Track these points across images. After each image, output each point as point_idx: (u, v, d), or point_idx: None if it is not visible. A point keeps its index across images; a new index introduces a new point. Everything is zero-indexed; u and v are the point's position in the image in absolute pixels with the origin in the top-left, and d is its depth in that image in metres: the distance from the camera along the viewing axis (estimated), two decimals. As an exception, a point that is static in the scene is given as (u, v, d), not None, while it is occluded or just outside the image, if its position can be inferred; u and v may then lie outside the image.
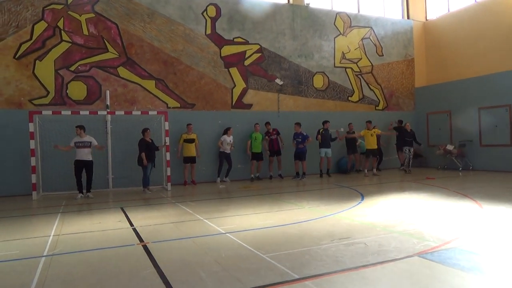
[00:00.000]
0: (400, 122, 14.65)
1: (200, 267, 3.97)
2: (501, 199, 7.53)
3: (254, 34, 13.31)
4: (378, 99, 15.61)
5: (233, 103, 12.95)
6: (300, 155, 12.43)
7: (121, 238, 5.34)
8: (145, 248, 4.77)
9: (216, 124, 12.51)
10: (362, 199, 8.15)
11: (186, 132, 11.62)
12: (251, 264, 4.04)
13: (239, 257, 4.28)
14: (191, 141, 11.59)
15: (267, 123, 12.82)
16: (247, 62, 13.17)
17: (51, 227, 6.17)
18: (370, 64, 15.45)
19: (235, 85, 12.97)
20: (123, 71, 11.52)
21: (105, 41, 11.37)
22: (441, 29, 16.08)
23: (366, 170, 12.99)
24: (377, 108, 15.58)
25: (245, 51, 13.17)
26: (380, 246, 4.55)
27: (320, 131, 12.66)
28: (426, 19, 16.77)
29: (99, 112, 10.41)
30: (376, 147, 12.93)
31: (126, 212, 7.30)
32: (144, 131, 10.22)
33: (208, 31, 12.64)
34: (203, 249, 4.67)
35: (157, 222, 6.37)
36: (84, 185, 9.66)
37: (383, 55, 15.71)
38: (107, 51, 11.39)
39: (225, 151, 11.93)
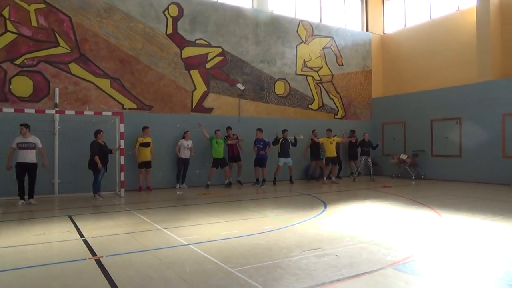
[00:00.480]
0: (353, 132, 14.92)
1: (163, 285, 3.57)
2: (457, 208, 7.75)
3: (217, 37, 13.00)
4: (337, 108, 15.84)
5: (193, 106, 12.51)
6: (261, 162, 12.23)
7: (70, 252, 4.77)
8: (99, 263, 4.27)
9: (175, 128, 12.00)
10: (325, 207, 8.05)
11: (142, 136, 11.02)
12: (219, 279, 3.70)
13: (205, 272, 3.92)
14: (147, 145, 11.00)
15: (229, 128, 12.50)
16: (208, 65, 12.81)
17: (-14, 238, 5.43)
18: (330, 73, 15.66)
19: (195, 88, 12.55)
20: (75, 68, 10.72)
21: (56, 34, 10.53)
22: (398, 43, 16.70)
23: (325, 178, 13.04)
24: (336, 116, 15.79)
25: (207, 53, 12.81)
26: (352, 258, 4.40)
27: (280, 140, 12.55)
28: (384, 33, 17.35)
29: (46, 111, 9.53)
30: (335, 155, 13.04)
31: (75, 221, 6.65)
32: (97, 132, 9.52)
33: (169, 31, 12.14)
34: (165, 263, 4.25)
35: (111, 232, 5.82)
36: (27, 190, 8.77)
37: (343, 65, 16.00)
38: (58, 45, 10.55)
39: (184, 156, 11.48)
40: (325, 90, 15.50)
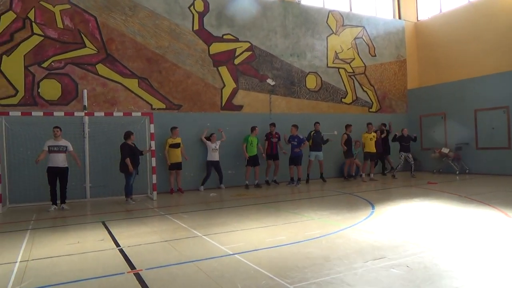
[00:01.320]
0: (384, 125, 13.92)
1: (215, 307, 3.08)
2: (523, 206, 6.95)
3: (245, 31, 12.49)
4: (372, 101, 15.05)
5: (223, 104, 12.06)
6: (295, 160, 11.65)
7: (107, 264, 4.37)
8: (138, 277, 3.83)
9: (205, 127, 11.58)
10: (373, 207, 7.41)
11: (171, 136, 10.65)
12: (279, 300, 3.18)
13: (261, 290, 3.41)
14: (177, 145, 10.62)
15: (272, 124, 11.98)
16: (237, 61, 12.32)
17: (17, 250, 5.11)
18: (363, 65, 14.89)
19: (224, 85, 12.09)
20: (102, 69, 10.45)
21: (82, 35, 10.29)
22: (433, 29, 15.73)
23: (363, 175, 12.33)
24: (370, 110, 15.01)
25: (235, 49, 12.33)
26: (427, 270, 3.78)
27: (311, 133, 11.98)
28: (418, 20, 16.40)
29: (75, 114, 9.27)
30: (375, 150, 12.30)
31: (109, 228, 6.29)
32: (129, 134, 9.18)
33: (196, 27, 11.73)
34: (212, 277, 3.77)
35: (147, 240, 5.40)
36: (59, 195, 8.54)
37: (375, 56, 15.19)
38: (85, 46, 10.30)
39: (212, 159, 11.08)
40: (358, 82, 14.74)
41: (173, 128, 10.63)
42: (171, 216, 7.18)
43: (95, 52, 10.41)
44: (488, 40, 13.56)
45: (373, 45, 15.15)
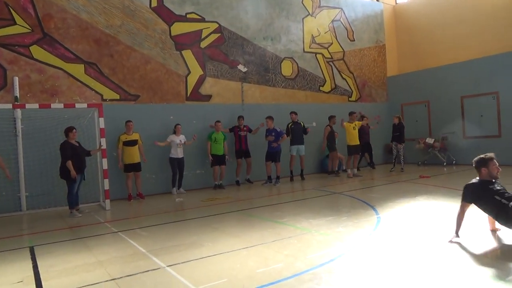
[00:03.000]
0: (364, 117, 12.70)
1: None
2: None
3: (212, 10, 10.88)
4: (351, 89, 13.90)
5: (188, 94, 10.42)
6: (273, 156, 10.25)
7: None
8: None
9: (168, 120, 9.92)
10: (376, 211, 6.13)
11: (125, 132, 8.93)
12: None
13: None
14: (133, 143, 8.92)
15: (240, 117, 10.50)
16: (203, 44, 10.70)
17: None
18: (342, 50, 13.68)
19: (189, 72, 10.45)
20: (38, 51, 8.54)
21: (11, 9, 8.32)
22: (413, 13, 14.78)
23: (349, 170, 11.12)
24: (350, 99, 13.85)
25: (201, 30, 10.70)
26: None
27: (289, 125, 10.64)
28: (396, 2, 15.40)
29: (0, 106, 7.28)
30: (358, 142, 11.10)
31: (37, 258, 4.58)
32: (68, 130, 7.37)
33: (154, 3, 9.98)
34: None
35: (87, 279, 3.77)
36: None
37: (354, 40, 14.03)
38: (14, 23, 8.34)
39: (176, 156, 9.47)
40: (337, 69, 13.52)
41: (127, 122, 8.91)
42: (125, 235, 5.55)
43: (29, 31, 8.47)
44: (473, 22, 12.71)
45: (352, 29, 13.97)
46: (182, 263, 4.07)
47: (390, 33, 15.14)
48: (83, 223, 6.68)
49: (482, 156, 4.38)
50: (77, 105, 7.88)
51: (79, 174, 7.34)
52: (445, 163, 12.39)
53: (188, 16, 10.48)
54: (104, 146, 7.86)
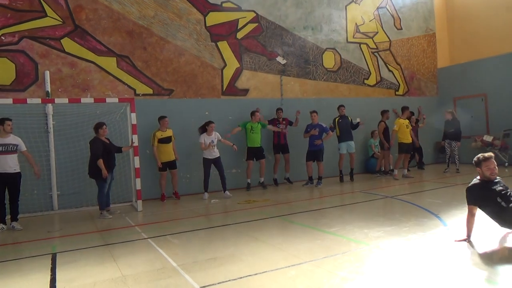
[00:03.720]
0: (411, 113, 11.50)
1: None
2: None
3: (248, -2, 10.21)
4: (398, 82, 12.80)
5: (224, 88, 9.82)
6: (316, 154, 9.44)
7: None
8: None
9: (203, 116, 9.35)
10: (441, 220, 5.24)
11: (159, 129, 8.45)
12: None
13: None
14: (168, 140, 8.43)
15: (279, 110, 9.82)
16: (240, 35, 10.05)
17: None
18: (388, 40, 12.61)
19: (225, 65, 9.84)
20: (69, 44, 8.21)
21: (41, 1, 8.01)
22: (467, -2, 13.42)
23: (395, 171, 10.12)
24: (397, 93, 12.77)
25: (237, 19, 10.05)
26: None
27: (336, 120, 9.78)
28: (448, -13, 14.08)
29: (28, 101, 6.85)
30: (411, 140, 10.08)
31: (56, 269, 4.10)
32: (98, 127, 6.97)
33: (188, -8, 9.45)
34: None
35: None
36: (8, 210, 6.36)
37: (401, 29, 12.90)
38: (45, 15, 8.04)
39: (209, 156, 8.50)
40: (383, 60, 12.48)
41: (161, 118, 8.42)
42: (156, 242, 5.00)
43: (60, 23, 8.15)
44: (540, 5, 11.27)
45: (399, 17, 12.85)
46: (218, 284, 3.43)
47: (441, 21, 13.84)
48: (112, 226, 6.22)
49: (479, 155, 4.38)
50: (108, 100, 7.45)
51: (110, 173, 6.91)
52: (506, 163, 11.09)
53: (223, 5, 9.86)
54: (136, 143, 7.40)
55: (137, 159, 7.39)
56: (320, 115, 9.83)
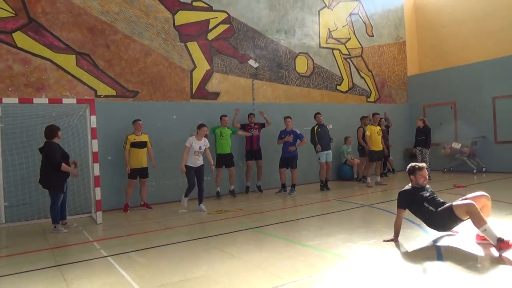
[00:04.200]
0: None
1: None
2: None
3: (220, -2, 9.78)
4: (370, 89, 12.76)
5: (193, 91, 9.30)
6: (290, 161, 9.09)
7: None
8: None
9: (171, 120, 8.80)
10: (425, 231, 4.98)
11: (133, 133, 7.82)
12: None
13: None
14: (142, 145, 7.83)
15: (251, 115, 9.41)
16: (211, 36, 9.59)
17: None
18: (360, 46, 12.56)
19: (195, 67, 9.33)
20: (22, 39, 7.42)
21: (-10, -10, 7.22)
22: (435, 7, 13.65)
23: (368, 179, 9.94)
24: (368, 100, 12.71)
25: (208, 20, 9.59)
26: None
27: (315, 128, 9.43)
28: (417, -4, 14.30)
29: None
30: (382, 147, 9.96)
31: (-4, 298, 3.44)
32: (57, 129, 6.27)
33: (156, -12, 8.89)
34: None
35: None
36: None
37: (373, 36, 12.91)
38: (-6, 6, 7.24)
39: (194, 164, 7.35)
40: (355, 67, 12.40)
41: (135, 121, 7.84)
42: (117, 261, 4.39)
43: (12, 15, 7.35)
44: (504, 17, 11.57)
45: (371, 24, 12.86)
46: (191, 314, 2.91)
47: (411, 30, 14.02)
48: (67, 242, 5.53)
49: (413, 164, 4.79)
50: (64, 101, 6.74)
51: (65, 182, 6.20)
52: (475, 171, 11.23)
53: (194, 4, 9.38)
54: (95, 149, 6.71)
55: (97, 166, 6.70)
56: (294, 121, 9.50)
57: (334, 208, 7.16)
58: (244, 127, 9.40)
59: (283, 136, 9.17)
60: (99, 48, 8.16)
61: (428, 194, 4.63)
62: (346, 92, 12.12)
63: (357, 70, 12.42)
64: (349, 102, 12.13)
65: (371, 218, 6.32)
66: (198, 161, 7.45)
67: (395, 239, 4.56)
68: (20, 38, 7.38)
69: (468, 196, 4.43)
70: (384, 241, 4.57)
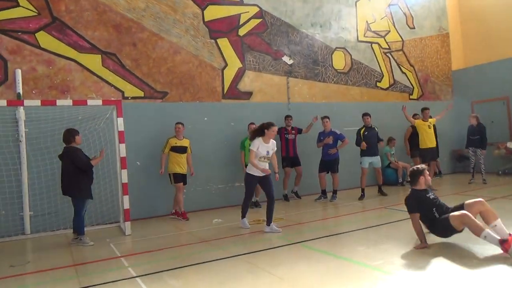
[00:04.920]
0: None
1: None
2: None
3: (251, -9, 9.15)
4: (412, 85, 11.79)
5: (225, 90, 8.69)
6: (330, 165, 8.31)
7: None
8: None
9: (202, 122, 8.22)
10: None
11: (174, 136, 7.31)
12: None
13: None
14: (183, 150, 7.28)
15: (288, 117, 8.69)
16: (242, 31, 8.96)
17: None
18: (401, 39, 11.63)
19: (226, 65, 8.72)
20: (46, 39, 7.02)
21: (13, -12, 6.87)
22: (481, -5, 12.54)
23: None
24: (411, 97, 11.74)
25: (239, 14, 8.97)
26: None
27: (361, 131, 8.54)
28: (460, -16, 13.21)
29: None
30: (435, 144, 9.01)
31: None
32: (76, 133, 5.79)
33: (184, -18, 8.36)
34: None
35: None
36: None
37: (414, 28, 11.94)
38: (18, 5, 6.86)
39: (255, 173, 5.83)
40: (396, 62, 11.48)
41: (177, 124, 7.28)
42: (146, 284, 3.78)
43: (35, 14, 6.98)
44: None
45: (411, 15, 11.90)
46: None
47: (454, 20, 12.93)
48: (92, 257, 4.98)
49: (419, 166, 4.81)
50: (89, 102, 6.26)
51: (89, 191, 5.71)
52: (536, 173, 10.10)
53: (224, -2, 8.79)
54: (123, 154, 6.19)
55: (124, 172, 6.17)
56: (331, 121, 8.67)
57: (385, 218, 6.33)
58: (280, 131, 8.69)
59: (322, 138, 8.40)
60: (126, 47, 7.68)
61: (432, 196, 4.63)
62: (387, 89, 11.22)
63: (398, 65, 11.49)
64: (391, 100, 11.21)
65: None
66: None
67: (424, 245, 4.38)
68: (43, 38, 6.98)
69: (466, 202, 4.45)
70: (415, 248, 4.38)
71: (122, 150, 6.15)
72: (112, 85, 7.50)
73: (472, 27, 12.75)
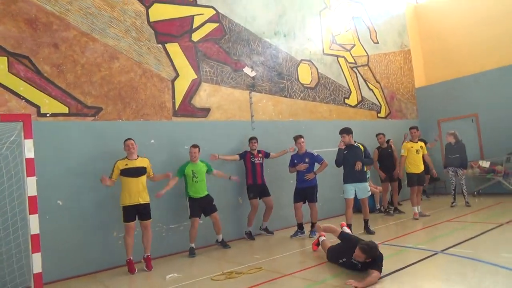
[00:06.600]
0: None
1: None
2: None
3: (206, -10, 7.75)
4: (379, 103, 10.96)
5: (177, 106, 7.04)
6: (307, 193, 6.87)
7: None
8: None
9: (147, 145, 6.44)
10: None
11: (126, 157, 5.67)
12: None
13: None
14: (137, 172, 5.62)
15: (253, 139, 7.18)
16: (196, 36, 7.46)
17: None
18: (366, 54, 10.83)
19: (177, 75, 7.11)
20: None
21: None
22: (437, 16, 12.29)
23: (415, 208, 7.83)
24: (379, 115, 10.88)
25: (192, 16, 7.49)
26: None
27: (343, 151, 6.90)
28: (417, 2, 12.94)
29: None
30: (423, 169, 7.97)
31: None
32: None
33: (123, -27, 6.74)
34: None
35: None
36: None
37: (378, 43, 11.25)
38: None
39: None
40: (362, 77, 10.60)
41: (127, 141, 5.65)
42: None
43: None
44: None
45: (374, 29, 11.22)
46: None
47: (414, 38, 12.54)
48: None
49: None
50: (-19, 118, 4.32)
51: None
52: (515, 192, 9.49)
53: (173, -4, 7.28)
54: (32, 192, 4.26)
55: (34, 219, 4.21)
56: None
57: (394, 258, 4.96)
58: (244, 155, 7.17)
59: (296, 161, 6.99)
60: (44, 48, 5.81)
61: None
62: (355, 106, 10.23)
63: (365, 81, 10.62)
64: (359, 118, 10.23)
65: (469, 277, 4.16)
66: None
67: None
68: None
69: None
70: None
71: (31, 186, 4.23)
72: (23, 98, 5.55)
73: (432, 44, 12.43)
